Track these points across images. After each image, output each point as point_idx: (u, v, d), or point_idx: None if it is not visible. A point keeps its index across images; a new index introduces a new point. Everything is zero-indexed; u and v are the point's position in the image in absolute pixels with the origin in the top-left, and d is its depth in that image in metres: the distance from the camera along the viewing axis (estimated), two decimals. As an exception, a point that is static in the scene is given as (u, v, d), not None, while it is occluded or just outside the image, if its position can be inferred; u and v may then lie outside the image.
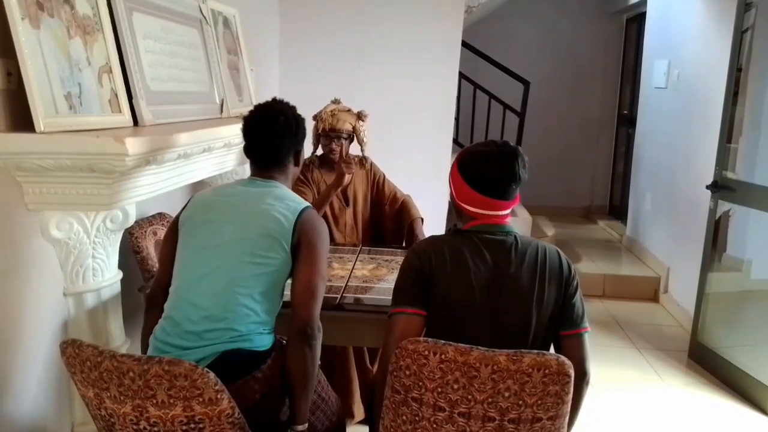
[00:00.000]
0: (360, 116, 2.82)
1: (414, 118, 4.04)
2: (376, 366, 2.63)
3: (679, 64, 4.50)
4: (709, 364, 3.40)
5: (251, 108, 1.83)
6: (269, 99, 1.83)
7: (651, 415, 2.97)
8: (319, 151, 2.89)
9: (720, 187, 3.37)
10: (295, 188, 2.73)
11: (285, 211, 1.64)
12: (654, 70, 5.06)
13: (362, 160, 2.93)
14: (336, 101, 2.86)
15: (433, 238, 1.67)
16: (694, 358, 3.52)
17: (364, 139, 2.84)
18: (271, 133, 1.73)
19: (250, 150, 1.78)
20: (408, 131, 4.02)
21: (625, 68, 6.47)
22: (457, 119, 5.31)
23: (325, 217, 2.73)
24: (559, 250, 1.65)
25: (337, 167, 2.64)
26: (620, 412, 2.98)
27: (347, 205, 2.87)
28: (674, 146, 4.52)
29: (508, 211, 1.63)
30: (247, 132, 1.77)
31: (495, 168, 1.57)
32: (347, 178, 2.62)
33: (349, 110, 2.83)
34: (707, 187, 3.43)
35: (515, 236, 1.61)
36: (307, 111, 3.63)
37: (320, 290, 1.62)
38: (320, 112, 2.80)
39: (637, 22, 5.98)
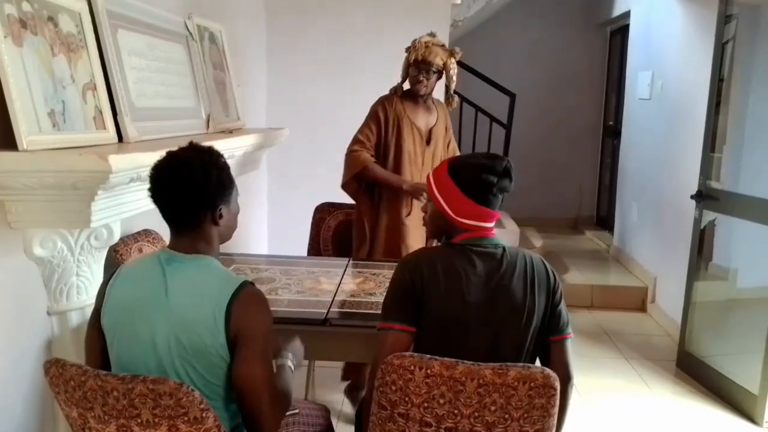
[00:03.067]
0: (453, 53, 2.79)
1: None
2: None
3: (663, 76, 4.56)
4: (696, 373, 3.42)
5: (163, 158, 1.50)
6: (184, 145, 1.50)
7: (639, 424, 2.98)
8: (406, 85, 2.87)
9: (704, 197, 3.41)
10: (364, 126, 2.81)
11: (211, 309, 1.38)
12: (638, 81, 5.12)
13: (449, 99, 2.90)
14: (432, 34, 2.83)
15: (424, 250, 1.69)
16: (682, 367, 3.53)
17: (453, 77, 2.82)
18: (172, 191, 1.43)
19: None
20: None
21: (609, 80, 6.54)
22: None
23: (400, 155, 2.79)
24: (543, 259, 1.67)
25: (412, 191, 2.72)
26: (609, 421, 2.99)
27: (428, 144, 2.85)
28: (659, 156, 4.56)
29: (494, 224, 1.66)
30: (150, 193, 1.46)
31: (495, 180, 1.59)
32: (416, 203, 2.73)
33: (443, 45, 2.81)
34: (692, 197, 3.46)
35: (504, 248, 1.62)
36: (295, 125, 3.68)
37: (269, 382, 1.41)
38: (414, 41, 2.79)
39: (621, 34, 6.06)
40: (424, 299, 1.55)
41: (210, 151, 1.48)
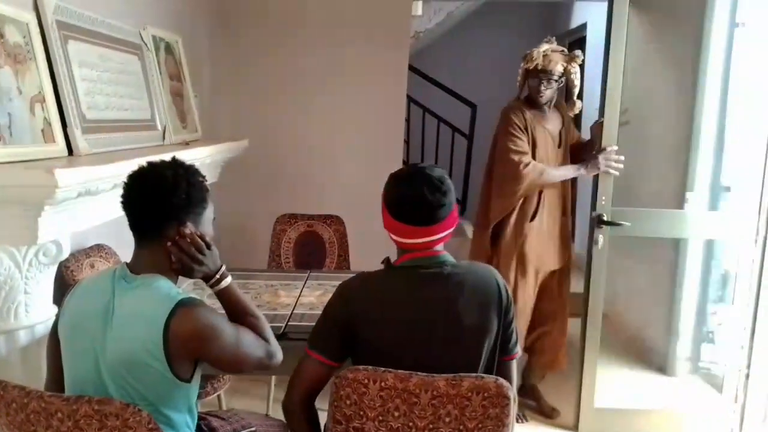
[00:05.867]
0: (573, 58, 2.78)
1: (363, 141, 4.07)
2: None
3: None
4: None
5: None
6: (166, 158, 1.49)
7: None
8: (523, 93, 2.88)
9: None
10: (510, 136, 2.73)
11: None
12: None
13: (572, 104, 2.94)
14: (549, 40, 2.83)
15: (363, 277, 1.56)
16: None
17: (576, 82, 2.83)
18: (139, 199, 1.42)
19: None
20: (358, 153, 4.04)
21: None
22: (407, 142, 5.37)
23: (535, 157, 2.75)
24: (496, 273, 1.57)
25: (598, 163, 2.70)
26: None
27: (559, 146, 2.85)
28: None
29: (438, 237, 1.51)
30: (121, 200, 1.45)
31: (406, 192, 1.49)
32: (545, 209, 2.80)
33: (562, 50, 2.80)
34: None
35: (451, 266, 1.52)
36: (255, 136, 3.65)
37: (244, 352, 1.43)
38: (531, 51, 2.80)
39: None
40: (358, 331, 1.47)
41: (186, 166, 1.47)
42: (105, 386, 1.35)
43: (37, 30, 1.85)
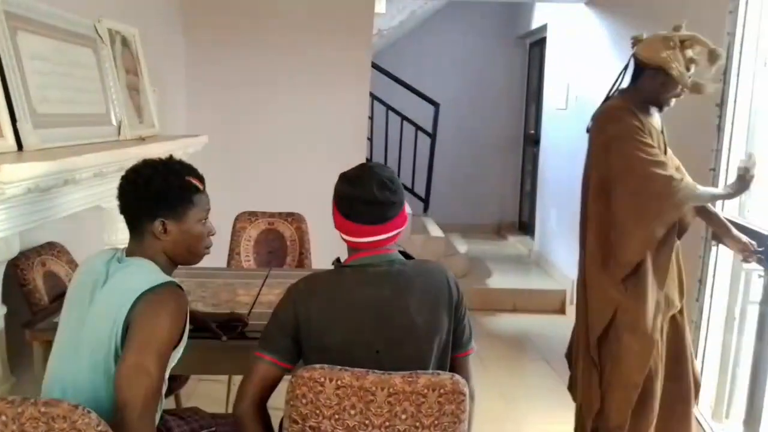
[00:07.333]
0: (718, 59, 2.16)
1: (326, 138, 4.06)
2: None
3: (577, 86, 4.75)
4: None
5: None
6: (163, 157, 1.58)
7: (558, 422, 3.08)
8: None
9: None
10: (641, 145, 2.11)
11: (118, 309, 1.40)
12: (555, 92, 5.32)
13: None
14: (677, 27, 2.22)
15: (312, 277, 1.55)
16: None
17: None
18: (120, 194, 1.52)
19: None
20: (320, 150, 4.03)
21: (529, 90, 6.76)
22: (370, 140, 5.37)
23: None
24: (446, 271, 1.57)
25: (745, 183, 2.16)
26: (529, 421, 3.08)
27: (665, 150, 2.31)
28: (574, 165, 4.74)
29: (388, 236, 1.51)
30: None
31: (356, 192, 1.48)
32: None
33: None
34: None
35: (401, 265, 1.51)
36: (215, 132, 3.61)
37: (138, 387, 1.34)
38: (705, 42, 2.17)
39: (539, 46, 6.28)
40: (308, 332, 1.47)
41: (168, 164, 1.54)
42: (80, 358, 1.41)
43: (-16, 21, 1.79)
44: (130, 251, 1.53)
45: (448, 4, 6.25)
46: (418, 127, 5.72)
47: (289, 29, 3.96)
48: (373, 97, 5.29)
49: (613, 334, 2.21)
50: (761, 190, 2.57)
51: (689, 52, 2.12)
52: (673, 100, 2.20)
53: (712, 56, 2.11)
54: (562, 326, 4.45)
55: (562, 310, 4.71)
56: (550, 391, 3.40)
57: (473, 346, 1.61)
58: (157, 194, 1.48)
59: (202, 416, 1.79)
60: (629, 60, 2.25)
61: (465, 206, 6.74)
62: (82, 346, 1.42)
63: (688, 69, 2.12)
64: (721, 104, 2.70)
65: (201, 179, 1.60)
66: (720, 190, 2.32)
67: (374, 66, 4.78)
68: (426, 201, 5.95)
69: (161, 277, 1.45)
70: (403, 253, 1.59)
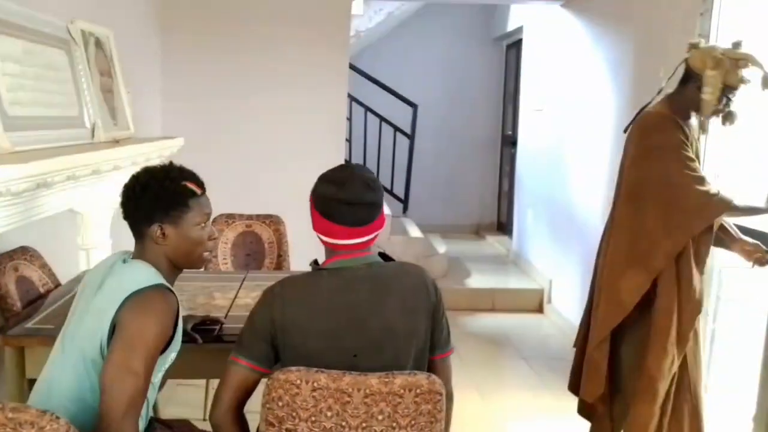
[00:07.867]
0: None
1: (304, 140, 4.05)
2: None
3: (554, 88, 4.81)
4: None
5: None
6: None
7: (534, 420, 3.12)
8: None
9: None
10: (684, 159, 2.09)
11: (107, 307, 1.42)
12: (531, 93, 5.37)
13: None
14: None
15: (289, 280, 1.53)
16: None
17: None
18: (121, 202, 1.55)
19: None
20: (298, 152, 4.02)
21: (506, 91, 6.82)
22: (349, 141, 5.38)
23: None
24: (425, 273, 1.56)
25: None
26: (507, 418, 3.11)
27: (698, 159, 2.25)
28: (550, 165, 4.80)
29: (368, 238, 1.50)
30: None
31: (339, 194, 1.46)
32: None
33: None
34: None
35: (379, 267, 1.51)
36: (191, 134, 3.58)
37: (122, 387, 1.34)
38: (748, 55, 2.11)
39: (516, 48, 6.33)
40: (284, 336, 1.45)
41: (167, 170, 1.56)
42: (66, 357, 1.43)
43: (-47, 22, 1.77)
44: (136, 255, 1.56)
45: (426, 6, 6.28)
46: (396, 129, 5.74)
47: (266, 30, 3.95)
48: (352, 98, 5.30)
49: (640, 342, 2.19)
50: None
51: (741, 72, 2.05)
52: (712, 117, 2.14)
53: (765, 82, 2.05)
54: (540, 325, 4.51)
55: (539, 309, 4.76)
56: (528, 388, 3.44)
57: (452, 347, 1.60)
58: (153, 199, 1.51)
59: (193, 429, 1.77)
60: (679, 64, 2.18)
61: (444, 207, 6.77)
62: (72, 345, 1.44)
63: (735, 87, 2.06)
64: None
65: (199, 184, 1.60)
66: (762, 203, 2.16)
67: (352, 67, 4.79)
68: (405, 202, 5.97)
69: (153, 280, 1.46)
70: (382, 254, 1.59)
